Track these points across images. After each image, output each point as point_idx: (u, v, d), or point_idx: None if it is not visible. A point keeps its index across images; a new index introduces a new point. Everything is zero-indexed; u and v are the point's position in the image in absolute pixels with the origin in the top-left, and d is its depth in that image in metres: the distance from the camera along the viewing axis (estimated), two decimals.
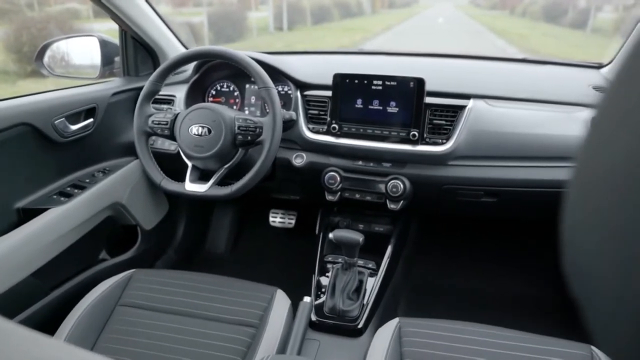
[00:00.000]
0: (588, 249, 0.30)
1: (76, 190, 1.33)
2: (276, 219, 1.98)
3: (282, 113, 1.26)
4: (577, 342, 0.98)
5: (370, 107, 1.32)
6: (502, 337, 1.00)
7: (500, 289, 1.79)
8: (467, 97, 1.32)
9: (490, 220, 1.86)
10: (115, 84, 1.52)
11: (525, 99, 1.32)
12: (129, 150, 1.55)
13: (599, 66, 1.54)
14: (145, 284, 1.19)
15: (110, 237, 1.54)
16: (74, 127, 1.33)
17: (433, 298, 1.76)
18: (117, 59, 1.61)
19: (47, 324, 1.17)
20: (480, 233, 1.95)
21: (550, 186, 1.28)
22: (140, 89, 1.57)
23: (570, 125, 1.26)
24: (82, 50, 1.60)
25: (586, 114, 1.27)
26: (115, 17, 1.44)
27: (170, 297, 1.15)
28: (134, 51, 1.58)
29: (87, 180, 1.39)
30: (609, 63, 1.48)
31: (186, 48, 1.73)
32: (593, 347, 0.96)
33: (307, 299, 1.11)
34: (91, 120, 1.40)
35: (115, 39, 1.59)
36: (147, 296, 1.16)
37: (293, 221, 1.97)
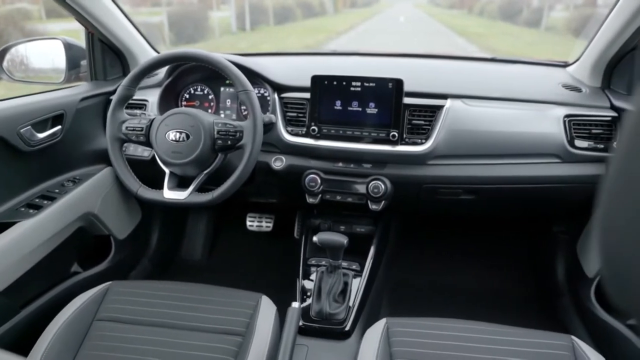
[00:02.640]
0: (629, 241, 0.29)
1: (45, 202, 1.26)
2: (254, 223, 1.95)
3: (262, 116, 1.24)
4: (559, 333, 1.01)
5: (350, 108, 1.31)
6: (487, 332, 1.02)
7: (479, 284, 1.84)
8: (444, 97, 1.33)
9: (468, 217, 1.90)
10: (83, 88, 1.46)
11: (500, 98, 1.35)
12: (100, 158, 1.49)
13: (565, 65, 1.60)
14: (123, 296, 1.14)
15: (81, 248, 1.47)
16: (41, 135, 1.26)
17: (416, 296, 1.78)
18: (84, 62, 1.54)
19: (20, 344, 1.11)
20: (459, 230, 1.99)
21: (525, 182, 1.32)
22: (110, 93, 1.52)
23: (544, 122, 1.30)
24: (45, 54, 1.52)
25: (558, 111, 1.31)
26: (82, 19, 1.38)
27: (150, 309, 1.11)
28: (102, 54, 1.52)
29: (57, 191, 1.32)
30: (575, 62, 1.54)
31: (156, 51, 1.68)
32: (573, 337, 0.99)
33: (295, 304, 1.09)
34: (59, 127, 1.33)
35: (76, 40, 1.53)
36: (126, 309, 1.11)
37: (271, 225, 1.95)
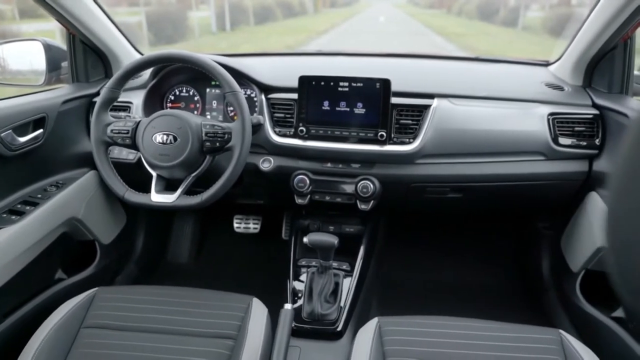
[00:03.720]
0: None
1: (28, 207, 1.23)
2: (241, 225, 1.94)
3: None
4: (547, 328, 1.03)
5: (338, 108, 1.31)
6: (477, 329, 1.03)
7: (466, 281, 1.86)
8: (431, 96, 1.35)
9: (455, 215, 1.92)
10: (64, 91, 1.43)
11: (486, 97, 1.37)
12: (83, 161, 1.46)
13: (547, 64, 1.63)
14: (111, 302, 1.12)
15: (66, 254, 1.44)
16: (22, 139, 1.23)
17: (404, 294, 1.79)
18: (64, 64, 1.51)
19: (5, 354, 1.08)
20: (445, 228, 2.01)
21: (511, 179, 1.34)
22: (92, 95, 1.49)
23: (529, 120, 1.33)
24: (23, 56, 1.48)
25: (542, 109, 1.34)
26: (63, 20, 1.35)
27: (139, 315, 1.09)
28: (84, 56, 1.49)
29: (39, 196, 1.29)
30: (556, 61, 1.57)
31: (139, 52, 1.65)
32: (561, 331, 1.01)
33: (287, 306, 1.08)
34: (41, 131, 1.30)
35: (56, 41, 1.49)
36: (114, 315, 1.09)
37: (258, 226, 1.94)
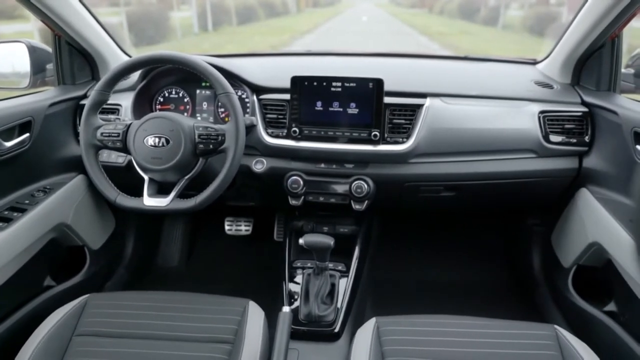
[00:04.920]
0: None
1: (15, 214, 1.20)
2: (232, 227, 1.92)
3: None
4: (542, 324, 1.05)
5: (331, 109, 1.31)
6: (474, 326, 1.04)
7: (458, 278, 1.87)
8: (423, 95, 1.35)
9: (447, 213, 1.93)
10: (51, 94, 1.39)
11: (477, 95, 1.38)
12: (71, 166, 1.43)
13: (534, 62, 1.65)
14: (103, 309, 1.10)
15: (54, 261, 1.41)
16: (8, 144, 1.20)
17: (398, 293, 1.80)
18: (49, 66, 1.48)
19: None
20: (436, 227, 2.02)
21: (503, 177, 1.36)
22: (79, 98, 1.46)
23: (520, 118, 1.34)
24: (6, 58, 1.45)
25: (533, 107, 1.35)
26: (49, 21, 1.32)
27: (133, 321, 1.07)
28: (70, 57, 1.45)
29: (27, 202, 1.26)
30: (543, 60, 1.59)
31: (125, 53, 1.63)
32: (556, 327, 1.02)
33: (286, 309, 1.07)
34: (27, 135, 1.27)
35: (40, 43, 1.46)
36: (107, 322, 1.06)
37: (250, 228, 1.92)
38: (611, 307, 1.25)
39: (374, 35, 14.23)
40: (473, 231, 2.02)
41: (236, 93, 1.41)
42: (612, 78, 1.35)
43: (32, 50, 1.41)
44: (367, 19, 22.64)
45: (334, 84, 1.29)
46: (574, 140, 1.33)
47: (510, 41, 12.71)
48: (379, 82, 1.27)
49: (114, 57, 1.55)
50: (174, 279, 1.92)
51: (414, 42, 13.08)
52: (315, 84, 1.30)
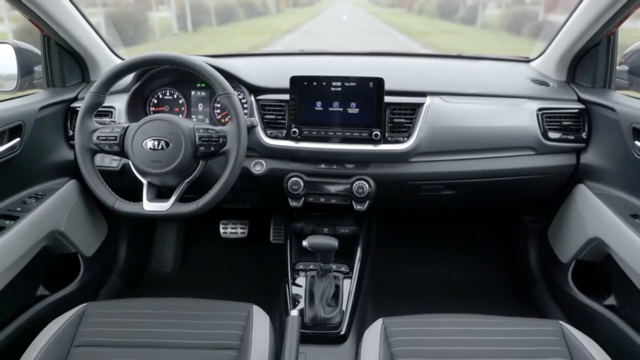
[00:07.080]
0: None
1: (7, 222, 1.16)
2: (227, 230, 1.89)
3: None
4: (547, 320, 1.05)
5: (331, 109, 1.29)
6: (480, 324, 1.04)
7: (457, 276, 1.88)
8: (423, 94, 1.35)
9: (447, 212, 1.94)
10: (41, 97, 1.35)
11: (476, 94, 1.39)
12: (63, 171, 1.39)
13: (527, 60, 1.66)
14: (102, 318, 1.06)
15: (47, 270, 1.36)
16: None
17: (398, 293, 1.79)
18: (38, 68, 1.43)
19: None
20: (433, 226, 2.02)
21: (503, 175, 1.36)
22: (70, 100, 1.42)
23: (519, 116, 1.35)
24: None
25: (531, 105, 1.36)
26: (39, 21, 1.27)
27: (133, 330, 1.03)
28: (59, 59, 1.41)
29: (19, 209, 1.21)
30: (537, 57, 1.61)
31: (116, 54, 1.58)
32: (562, 322, 1.03)
33: (294, 312, 1.06)
34: (17, 140, 1.22)
35: (27, 44, 1.41)
36: (106, 332, 1.03)
37: (245, 230, 1.89)
38: (611, 300, 1.27)
39: (355, 35, 14.25)
40: (470, 229, 2.03)
41: None
42: (608, 75, 1.37)
43: (19, 52, 1.36)
44: (347, 18, 22.67)
45: (333, 83, 1.28)
46: (572, 137, 1.35)
47: (490, 40, 12.89)
48: (379, 82, 1.26)
49: (105, 59, 1.51)
50: (169, 284, 1.88)
51: (394, 41, 13.15)
52: (314, 83, 1.28)
